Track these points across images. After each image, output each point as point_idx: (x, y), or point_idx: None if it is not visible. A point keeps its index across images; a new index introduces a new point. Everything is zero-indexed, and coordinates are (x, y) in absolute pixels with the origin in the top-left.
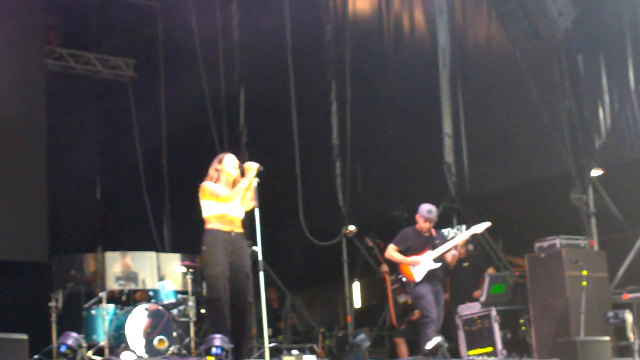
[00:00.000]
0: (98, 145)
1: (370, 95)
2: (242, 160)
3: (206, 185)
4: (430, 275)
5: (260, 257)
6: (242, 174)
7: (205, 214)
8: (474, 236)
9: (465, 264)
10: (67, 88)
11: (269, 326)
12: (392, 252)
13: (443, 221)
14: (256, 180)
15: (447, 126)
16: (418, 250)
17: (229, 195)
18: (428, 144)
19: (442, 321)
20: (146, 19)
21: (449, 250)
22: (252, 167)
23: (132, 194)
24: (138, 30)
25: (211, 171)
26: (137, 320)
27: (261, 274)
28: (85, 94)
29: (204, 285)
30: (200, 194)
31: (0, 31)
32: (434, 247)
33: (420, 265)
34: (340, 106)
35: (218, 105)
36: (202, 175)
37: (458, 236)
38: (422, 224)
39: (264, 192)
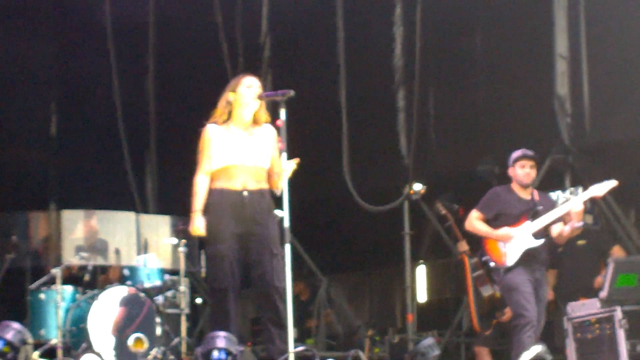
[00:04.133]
0: (55, 58)
1: None
2: (263, 86)
3: (204, 132)
4: (529, 258)
5: (286, 225)
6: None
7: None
8: (593, 202)
9: (581, 243)
10: None
11: (294, 325)
12: (474, 221)
13: (551, 180)
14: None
15: (562, 44)
16: (512, 220)
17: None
18: (532, 69)
19: (543, 324)
20: None
21: (556, 220)
22: (283, 94)
23: (103, 129)
24: None
25: (221, 103)
26: (106, 310)
27: (287, 248)
28: None
29: (204, 263)
30: (199, 142)
31: None
32: (534, 215)
33: (514, 242)
34: (407, 9)
35: (231, 4)
36: (204, 106)
37: (570, 201)
38: (518, 173)
39: (293, 132)
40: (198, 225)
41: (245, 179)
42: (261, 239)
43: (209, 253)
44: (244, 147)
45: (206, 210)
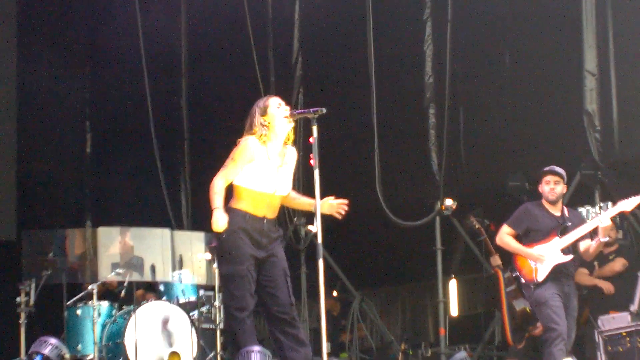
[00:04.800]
0: (90, 80)
1: (481, 11)
2: (294, 104)
3: (247, 145)
4: (558, 273)
5: (319, 240)
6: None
7: (234, 182)
8: (622, 217)
9: (611, 258)
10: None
11: (327, 340)
12: (505, 237)
13: (581, 196)
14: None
15: (590, 61)
16: (542, 236)
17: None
18: (561, 86)
19: (574, 337)
20: None
21: (584, 236)
22: (315, 111)
23: (138, 148)
24: None
25: (257, 128)
26: (142, 325)
27: (320, 263)
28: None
29: None
30: (235, 150)
31: None
32: (563, 231)
33: (545, 258)
34: (437, 27)
35: (262, 25)
36: (237, 125)
37: (597, 217)
38: (544, 190)
39: (325, 149)
40: (222, 221)
41: (269, 208)
42: (274, 261)
43: (226, 271)
44: (279, 175)
45: (227, 228)
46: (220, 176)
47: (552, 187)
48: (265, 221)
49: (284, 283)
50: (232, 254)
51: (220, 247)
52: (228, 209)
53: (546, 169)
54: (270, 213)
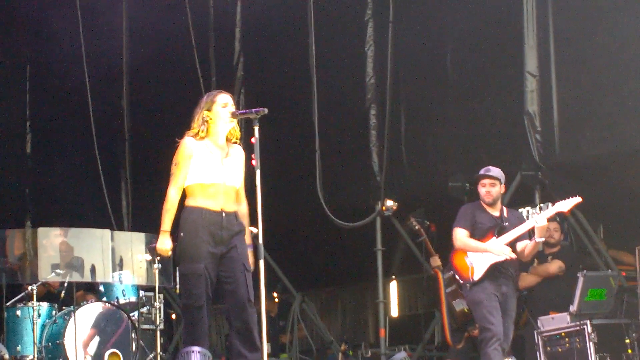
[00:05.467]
0: (30, 78)
1: (423, 13)
2: (236, 104)
3: (185, 145)
4: (495, 272)
5: (260, 241)
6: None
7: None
8: (562, 218)
9: (550, 259)
10: None
11: (267, 340)
12: (464, 238)
13: (522, 196)
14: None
15: (531, 62)
16: (479, 235)
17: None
18: (502, 87)
19: (512, 337)
20: None
21: (522, 237)
22: (257, 112)
23: (78, 148)
24: None
25: (197, 123)
26: (82, 326)
27: (261, 264)
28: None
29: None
30: (175, 155)
31: None
32: (500, 231)
33: (507, 252)
34: (379, 28)
35: (204, 23)
36: (178, 125)
37: (533, 218)
38: (480, 192)
39: (266, 150)
40: (166, 247)
41: (224, 199)
42: (234, 256)
43: (184, 270)
44: (224, 166)
45: (182, 227)
46: (171, 186)
47: (488, 189)
48: (223, 214)
49: (243, 279)
50: (189, 252)
51: (178, 246)
52: (184, 208)
53: (481, 172)
54: (228, 205)
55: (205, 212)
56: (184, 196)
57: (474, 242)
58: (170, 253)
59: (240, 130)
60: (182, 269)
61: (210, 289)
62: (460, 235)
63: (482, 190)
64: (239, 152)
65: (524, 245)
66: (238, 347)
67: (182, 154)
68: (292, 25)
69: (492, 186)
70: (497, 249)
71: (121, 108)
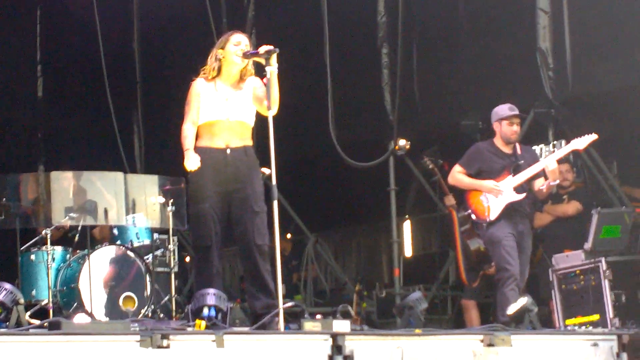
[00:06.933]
0: (40, 21)
1: None
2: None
3: (193, 85)
4: (511, 211)
5: (273, 182)
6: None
7: None
8: (576, 156)
9: (564, 198)
10: None
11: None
12: (457, 175)
13: (534, 134)
14: (275, 68)
15: None
16: (494, 175)
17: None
18: (514, 24)
19: (527, 275)
20: None
21: (538, 175)
22: (267, 52)
23: (89, 90)
24: None
25: (210, 60)
26: (96, 269)
27: (275, 205)
28: None
29: None
30: (187, 95)
31: None
32: (516, 170)
33: (501, 189)
34: None
35: None
36: (190, 66)
37: (546, 158)
38: (505, 131)
39: (278, 92)
40: (193, 162)
41: (229, 135)
42: (243, 197)
43: (192, 211)
44: (229, 102)
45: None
46: (184, 122)
47: (515, 129)
48: (228, 151)
49: (251, 222)
50: (195, 193)
51: (187, 188)
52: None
53: (510, 112)
54: (234, 141)
55: (209, 151)
56: None
57: (466, 179)
58: (198, 165)
59: (255, 73)
60: (189, 210)
61: (218, 229)
62: (454, 171)
63: (508, 130)
64: (251, 83)
65: (540, 186)
66: (251, 289)
67: (190, 94)
68: None
69: (518, 125)
70: (487, 186)
71: (132, 50)
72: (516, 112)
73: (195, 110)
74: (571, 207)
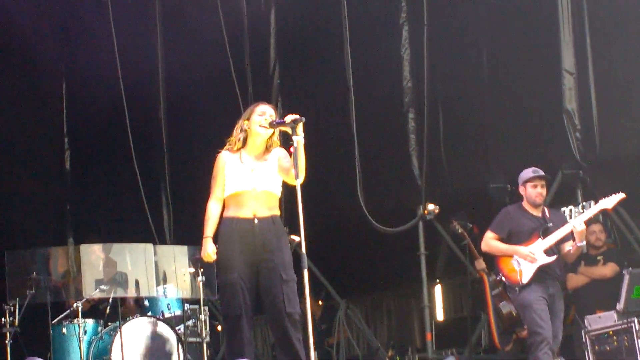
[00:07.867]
0: (66, 94)
1: (457, 13)
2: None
3: (218, 158)
4: (542, 274)
5: (303, 250)
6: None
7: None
8: (605, 217)
9: (599, 259)
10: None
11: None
12: (490, 242)
13: (564, 195)
14: (301, 137)
15: (568, 60)
16: (524, 238)
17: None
18: (539, 86)
19: (561, 338)
20: None
21: (566, 237)
22: (293, 121)
23: (117, 162)
24: None
25: (235, 131)
26: (128, 341)
27: (305, 273)
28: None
29: None
30: (213, 168)
31: None
32: (545, 232)
33: (535, 256)
34: (414, 31)
35: (238, 33)
36: (217, 138)
37: (573, 220)
38: (530, 193)
39: (306, 159)
40: (209, 251)
41: (256, 205)
42: (271, 266)
43: (220, 281)
44: (255, 173)
45: (217, 239)
46: (210, 199)
47: (540, 191)
48: (256, 221)
49: (280, 292)
50: (223, 263)
51: (217, 258)
52: (220, 220)
53: (531, 173)
54: (260, 211)
55: (236, 221)
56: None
57: (502, 245)
58: (214, 257)
59: (281, 143)
60: (218, 281)
61: (248, 298)
62: (487, 238)
63: (532, 192)
64: (276, 154)
65: (569, 248)
66: (281, 357)
67: (216, 167)
68: (326, 31)
69: (543, 187)
70: (523, 252)
71: (159, 120)
72: (540, 174)
73: (220, 186)
74: (609, 270)
